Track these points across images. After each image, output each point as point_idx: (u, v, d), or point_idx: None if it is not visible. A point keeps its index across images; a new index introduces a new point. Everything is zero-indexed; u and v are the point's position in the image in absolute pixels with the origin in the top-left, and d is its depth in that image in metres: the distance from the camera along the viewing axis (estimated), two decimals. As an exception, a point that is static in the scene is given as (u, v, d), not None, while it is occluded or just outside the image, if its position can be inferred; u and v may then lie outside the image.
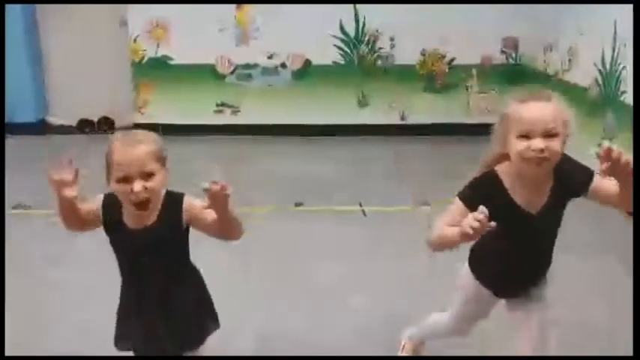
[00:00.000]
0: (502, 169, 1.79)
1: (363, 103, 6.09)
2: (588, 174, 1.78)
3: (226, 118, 5.91)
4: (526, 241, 1.75)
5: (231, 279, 3.08)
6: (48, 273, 3.30)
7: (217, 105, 5.89)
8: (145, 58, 5.79)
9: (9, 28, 5.72)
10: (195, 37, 5.65)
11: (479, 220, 1.53)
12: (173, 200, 1.78)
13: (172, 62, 5.79)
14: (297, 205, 4.19)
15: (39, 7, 5.98)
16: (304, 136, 5.80)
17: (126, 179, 1.65)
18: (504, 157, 1.77)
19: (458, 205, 1.77)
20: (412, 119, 6.16)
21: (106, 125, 6.18)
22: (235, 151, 5.49)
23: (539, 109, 1.69)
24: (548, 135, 1.67)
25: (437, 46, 6.06)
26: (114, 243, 1.81)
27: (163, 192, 1.76)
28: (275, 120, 5.85)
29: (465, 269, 2.02)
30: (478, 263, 1.99)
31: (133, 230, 1.76)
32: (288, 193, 4.44)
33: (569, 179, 1.77)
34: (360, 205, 4.23)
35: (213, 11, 5.62)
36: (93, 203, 1.80)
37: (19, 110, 5.94)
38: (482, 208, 1.55)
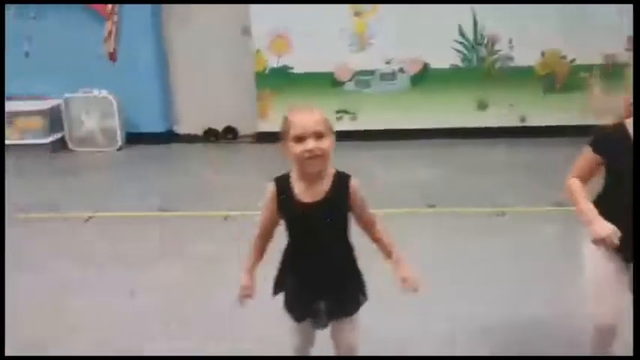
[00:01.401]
0: (629, 121, 2.04)
1: (482, 106, 6.02)
2: None
3: (345, 125, 6.02)
4: None
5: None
6: (205, 266, 3.48)
7: (337, 112, 6.01)
8: (268, 69, 6.01)
9: (140, 41, 6.12)
10: (314, 46, 5.79)
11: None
12: (342, 179, 2.05)
13: (293, 71, 5.98)
14: (430, 206, 4.22)
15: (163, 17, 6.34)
16: (423, 140, 5.82)
17: (301, 138, 1.93)
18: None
19: (589, 154, 2.08)
20: (532, 121, 6.02)
21: (229, 134, 6.45)
22: (355, 156, 5.57)
23: None
24: None
25: (557, 46, 5.90)
26: (287, 217, 2.05)
27: (333, 171, 2.04)
28: (393, 125, 5.90)
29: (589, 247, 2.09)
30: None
31: (305, 203, 2.00)
32: (414, 196, 4.48)
33: None
34: (497, 207, 4.23)
35: (333, 19, 5.75)
36: (266, 199, 2.05)
37: (148, 121, 6.33)
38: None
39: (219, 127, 6.47)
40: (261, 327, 2.78)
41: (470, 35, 5.88)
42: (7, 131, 6.00)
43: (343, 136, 6.37)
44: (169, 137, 6.47)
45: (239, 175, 5.38)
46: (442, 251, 3.53)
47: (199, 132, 6.50)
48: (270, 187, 2.05)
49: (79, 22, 6.04)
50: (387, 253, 2.07)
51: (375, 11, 5.79)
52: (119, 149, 6.14)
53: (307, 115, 1.96)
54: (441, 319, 2.86)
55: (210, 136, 6.45)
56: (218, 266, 3.45)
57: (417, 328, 2.82)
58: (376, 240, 2.09)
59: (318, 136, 1.93)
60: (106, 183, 5.33)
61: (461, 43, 5.94)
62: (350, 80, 5.97)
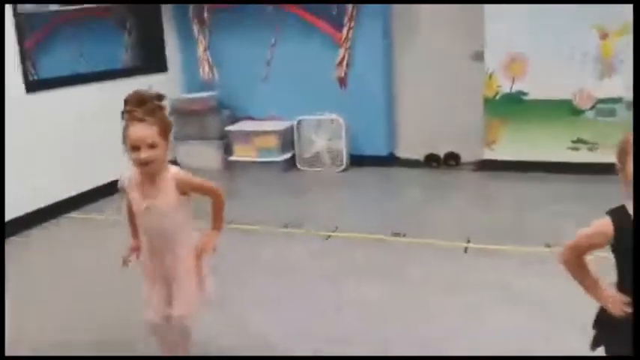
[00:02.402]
0: None
1: None
2: None
3: (583, 156, 5.57)
4: None
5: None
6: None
7: (573, 142, 5.59)
8: (499, 94, 5.78)
9: (369, 67, 6.26)
10: (553, 71, 5.46)
11: None
12: None
13: (526, 98, 5.68)
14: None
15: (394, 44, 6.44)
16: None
17: None
18: None
19: None
20: None
21: (451, 160, 6.33)
22: (595, 190, 5.10)
23: None
24: None
25: None
26: (622, 251, 1.84)
27: None
28: (640, 158, 5.31)
29: None
30: None
31: None
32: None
33: None
34: None
35: (576, 42, 5.36)
36: (595, 232, 1.85)
37: (371, 144, 6.45)
38: None
39: (441, 153, 6.38)
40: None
41: None
42: (246, 148, 6.50)
43: (580, 168, 5.93)
44: (390, 161, 6.54)
45: (465, 203, 5.21)
46: None
47: (420, 157, 6.47)
48: (605, 222, 1.83)
49: (314, 48, 6.38)
50: None
51: (625, 32, 5.28)
52: (343, 170, 6.33)
53: None
54: None
55: (432, 161, 6.38)
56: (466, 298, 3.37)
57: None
58: None
59: None
60: (337, 203, 5.48)
61: None
62: (591, 108, 5.51)
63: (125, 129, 2.33)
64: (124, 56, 6.61)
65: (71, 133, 5.38)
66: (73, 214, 5.29)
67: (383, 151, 6.50)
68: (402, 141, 6.65)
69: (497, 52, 5.69)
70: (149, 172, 2.37)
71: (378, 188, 5.92)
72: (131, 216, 2.56)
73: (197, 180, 2.48)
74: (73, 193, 5.41)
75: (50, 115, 5.17)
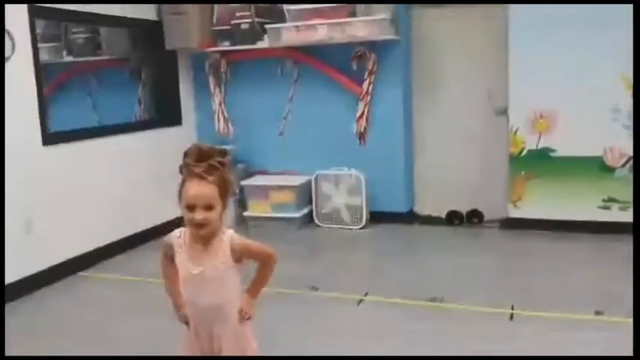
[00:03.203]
0: None
1: None
2: None
3: (614, 215, 5.39)
4: None
5: None
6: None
7: (604, 200, 5.42)
8: (525, 151, 5.64)
9: (389, 122, 6.13)
10: (582, 128, 5.34)
11: None
12: None
13: (554, 155, 5.54)
14: None
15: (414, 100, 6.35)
16: None
17: None
18: None
19: None
20: None
21: (475, 218, 6.14)
22: (628, 252, 4.90)
23: None
24: None
25: None
26: None
27: None
28: (674, 219, 5.14)
29: None
30: None
31: None
32: None
33: None
34: None
35: (605, 97, 5.25)
36: None
37: (391, 200, 6.25)
38: None
39: (463, 211, 6.20)
40: None
41: None
42: (261, 203, 6.29)
43: (611, 227, 5.73)
44: (410, 218, 6.34)
45: (497, 265, 4.99)
46: None
47: (442, 214, 6.28)
48: None
49: (333, 102, 6.26)
50: None
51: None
52: (363, 227, 6.12)
53: None
54: None
55: (455, 219, 6.19)
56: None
57: None
58: None
59: None
60: (362, 264, 5.26)
61: None
62: (622, 166, 5.36)
63: (181, 185, 2.10)
64: (137, 109, 6.47)
65: (86, 187, 5.17)
66: (86, 273, 5.03)
67: (402, 208, 6.31)
68: (422, 198, 6.47)
69: (522, 108, 5.57)
70: (203, 235, 2.14)
71: (402, 248, 5.68)
72: (166, 271, 2.32)
73: (255, 245, 2.26)
74: (87, 249, 5.17)
75: (64, 169, 4.98)
